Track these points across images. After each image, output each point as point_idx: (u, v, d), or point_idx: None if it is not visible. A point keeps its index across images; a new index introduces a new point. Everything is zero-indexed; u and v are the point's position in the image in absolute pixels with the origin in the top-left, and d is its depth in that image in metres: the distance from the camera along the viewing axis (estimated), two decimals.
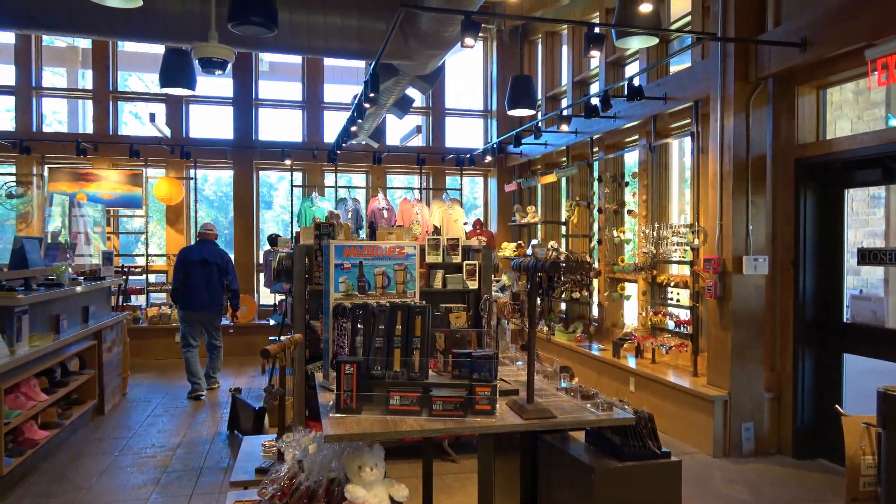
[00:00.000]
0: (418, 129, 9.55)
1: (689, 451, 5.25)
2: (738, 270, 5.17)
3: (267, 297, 9.79)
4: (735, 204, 5.21)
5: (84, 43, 10.20)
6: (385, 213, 9.18)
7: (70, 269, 6.00)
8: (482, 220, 10.32)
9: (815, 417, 5.13)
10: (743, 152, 5.22)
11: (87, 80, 10.08)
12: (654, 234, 6.35)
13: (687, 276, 6.03)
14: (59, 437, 5.24)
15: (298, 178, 10.16)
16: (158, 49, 9.41)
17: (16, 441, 4.61)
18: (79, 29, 5.78)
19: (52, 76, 11.18)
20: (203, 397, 7.06)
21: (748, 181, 5.22)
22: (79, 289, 5.85)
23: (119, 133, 9.76)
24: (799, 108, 5.16)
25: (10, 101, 9.48)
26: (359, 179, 10.66)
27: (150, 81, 13.12)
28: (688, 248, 5.87)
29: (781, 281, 5.28)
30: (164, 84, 5.87)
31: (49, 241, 6.92)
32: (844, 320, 5.03)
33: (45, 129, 9.81)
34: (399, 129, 10.01)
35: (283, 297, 7.91)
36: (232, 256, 9.71)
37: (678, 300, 6.18)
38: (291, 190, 10.13)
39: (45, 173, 9.29)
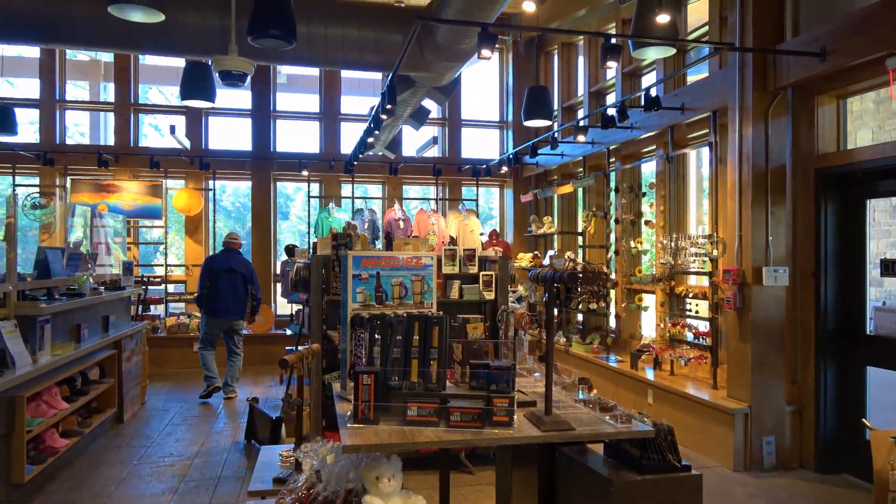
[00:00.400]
0: (434, 140, 9.60)
1: (709, 465, 5.18)
2: (758, 282, 5.12)
3: (284, 307, 9.84)
4: (754, 215, 5.16)
5: (106, 57, 10.39)
6: (401, 223, 9.22)
7: (91, 279, 6.08)
8: (498, 230, 10.32)
9: (838, 431, 5.04)
10: (762, 162, 5.17)
11: (108, 92, 10.26)
12: (672, 244, 6.31)
13: (706, 287, 5.98)
14: (79, 445, 5.29)
15: (315, 188, 10.24)
16: (178, 62, 9.56)
17: (37, 449, 4.66)
18: (102, 43, 5.90)
19: (75, 89, 11.39)
20: (220, 393, 7.31)
21: (767, 192, 5.17)
22: (101, 297, 5.93)
23: (140, 145, 9.91)
24: (819, 117, 5.11)
25: (34, 113, 9.66)
26: (375, 190, 10.72)
27: (169, 94, 13.34)
28: (706, 258, 5.83)
29: (802, 292, 5.21)
30: (184, 96, 5.96)
31: (71, 251, 7.02)
32: (867, 332, 4.95)
33: (68, 141, 9.98)
34: (415, 140, 10.06)
35: (300, 308, 7.99)
36: None
37: (697, 311, 6.13)
38: (308, 201, 10.21)
39: (68, 184, 9.44)
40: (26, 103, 9.73)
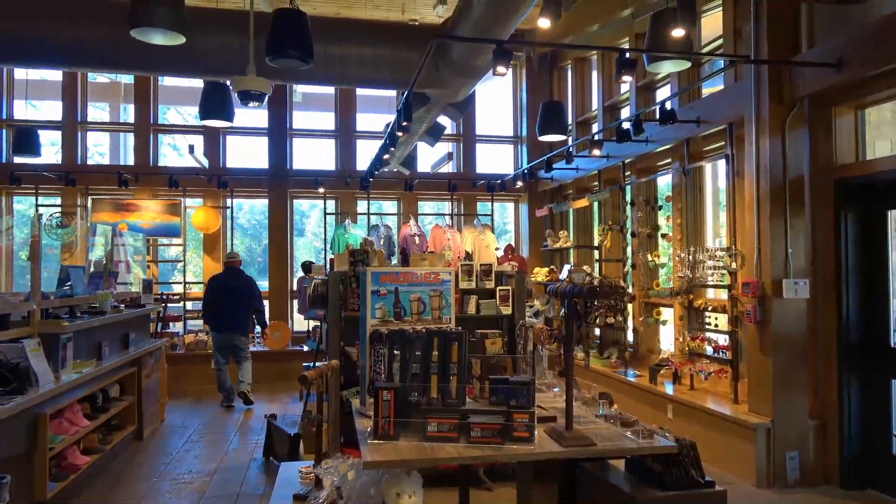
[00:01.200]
0: (449, 156, 9.63)
1: (732, 481, 5.10)
2: (778, 294, 5.07)
3: (301, 323, 9.88)
4: (773, 227, 5.12)
5: (126, 79, 10.58)
6: (416, 239, 9.24)
7: (112, 297, 6.16)
8: (513, 245, 10.31)
9: (863, 446, 4.95)
10: (780, 174, 5.14)
11: (128, 113, 10.43)
12: (690, 257, 6.26)
13: (725, 300, 5.92)
14: (100, 462, 5.32)
15: (331, 205, 10.31)
16: (195, 83, 9.71)
17: (59, 466, 4.70)
18: (124, 65, 6.03)
19: (95, 111, 11.60)
20: (234, 405, 7.87)
21: (786, 203, 5.13)
22: (122, 315, 6.00)
23: (159, 164, 10.05)
24: (836, 128, 5.08)
25: (56, 135, 9.85)
26: (390, 206, 10.77)
27: (187, 114, 13.54)
28: (725, 271, 5.78)
29: (824, 305, 5.15)
30: (203, 116, 6.04)
31: (92, 269, 7.12)
32: (892, 344, 4.87)
33: (89, 161, 10.14)
34: (430, 156, 10.11)
35: (318, 324, 8.05)
36: (266, 283, 9.92)
37: (716, 325, 6.07)
38: (325, 217, 10.28)
39: (89, 204, 9.58)
40: (49, 125, 9.92)
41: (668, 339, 7.17)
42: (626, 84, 7.77)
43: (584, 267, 8.37)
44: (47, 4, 5.54)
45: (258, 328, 8.36)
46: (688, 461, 2.61)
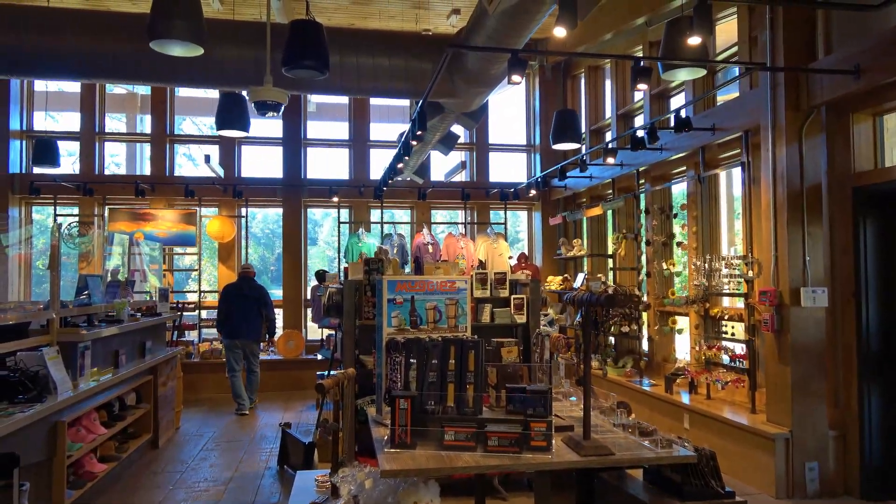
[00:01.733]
0: (463, 165, 9.65)
1: (751, 492, 5.04)
2: (796, 303, 5.02)
3: (314, 332, 9.91)
4: (790, 234, 5.08)
5: (142, 90, 10.72)
6: (430, 247, 9.25)
7: (129, 306, 6.21)
8: (527, 253, 10.29)
9: (884, 457, 4.87)
10: (797, 182, 5.10)
11: (145, 124, 10.55)
12: (706, 266, 6.22)
13: (741, 308, 5.87)
14: (116, 470, 5.35)
15: (345, 214, 10.36)
16: (210, 94, 9.82)
17: (76, 474, 4.73)
18: (143, 77, 6.10)
19: (112, 121, 11.74)
20: (247, 412, 7.99)
21: (803, 211, 5.09)
22: (139, 323, 6.05)
23: (175, 174, 10.15)
24: (854, 135, 5.04)
25: (74, 146, 9.98)
26: (404, 215, 10.80)
27: (202, 124, 13.68)
28: (741, 280, 5.73)
29: (843, 313, 5.09)
30: (220, 127, 6.10)
31: (109, 278, 7.19)
32: None
33: (105, 171, 10.26)
34: (443, 165, 10.14)
35: (331, 332, 8.08)
36: (280, 292, 9.97)
37: (733, 334, 6.01)
38: (339, 226, 10.32)
39: (106, 214, 9.69)
40: (67, 136, 10.05)
41: (683, 348, 7.11)
42: (641, 92, 7.76)
43: (599, 275, 8.34)
44: (67, 17, 5.64)
45: (267, 335, 8.47)
46: (707, 471, 2.58)
